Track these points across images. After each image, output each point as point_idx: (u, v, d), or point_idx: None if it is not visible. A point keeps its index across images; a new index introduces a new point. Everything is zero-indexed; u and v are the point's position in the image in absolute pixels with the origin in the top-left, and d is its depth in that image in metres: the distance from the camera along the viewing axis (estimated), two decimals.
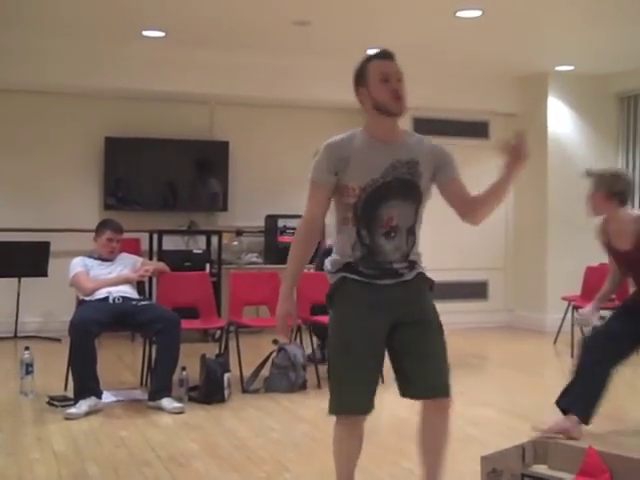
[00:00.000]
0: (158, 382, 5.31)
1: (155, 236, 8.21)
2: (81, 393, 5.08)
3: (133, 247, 8.41)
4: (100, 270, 5.68)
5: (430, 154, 3.05)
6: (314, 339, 6.55)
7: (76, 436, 4.62)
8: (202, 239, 8.62)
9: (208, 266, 8.13)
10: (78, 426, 4.81)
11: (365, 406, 2.99)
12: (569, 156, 9.03)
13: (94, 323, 5.19)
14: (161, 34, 7.48)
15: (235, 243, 8.78)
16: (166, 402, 5.20)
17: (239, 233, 8.85)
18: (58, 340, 7.40)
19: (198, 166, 8.80)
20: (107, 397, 5.39)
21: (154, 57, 7.98)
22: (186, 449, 4.40)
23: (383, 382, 3.18)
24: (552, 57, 8.41)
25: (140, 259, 6.10)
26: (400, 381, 3.05)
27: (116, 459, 4.20)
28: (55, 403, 5.24)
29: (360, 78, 3.03)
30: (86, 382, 5.12)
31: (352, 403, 2.99)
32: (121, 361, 6.98)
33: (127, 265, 5.84)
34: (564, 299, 7.63)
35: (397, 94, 2.95)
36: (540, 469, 2.11)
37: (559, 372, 6.34)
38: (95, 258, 5.75)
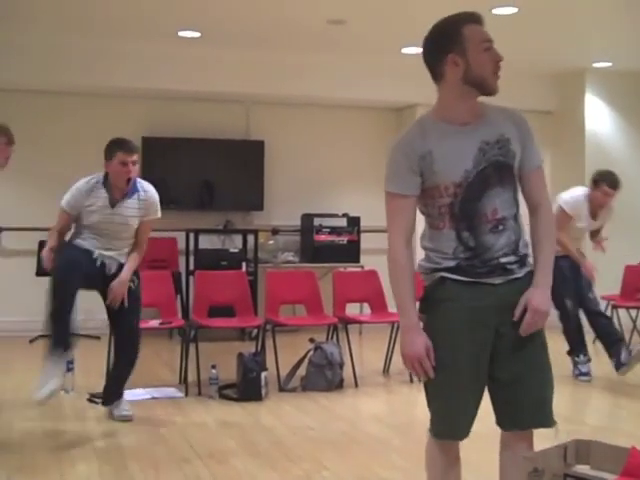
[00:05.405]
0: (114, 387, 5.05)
1: (192, 235, 8.27)
2: (56, 347, 4.51)
3: (170, 246, 8.51)
4: (102, 215, 4.76)
5: (515, 127, 2.58)
6: None
7: (116, 433, 4.67)
8: (238, 238, 8.66)
9: (244, 265, 8.17)
10: (118, 423, 4.86)
11: (462, 433, 2.58)
12: (607, 154, 8.91)
13: (80, 273, 4.62)
14: (197, 34, 7.54)
15: (271, 242, 8.81)
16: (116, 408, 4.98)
17: (275, 232, 8.88)
18: (97, 338, 7.47)
19: (234, 165, 8.84)
20: (144, 394, 5.46)
21: (190, 57, 8.05)
22: (224, 447, 4.43)
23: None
24: (589, 53, 8.33)
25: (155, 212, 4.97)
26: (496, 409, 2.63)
27: (156, 456, 4.24)
28: (96, 400, 5.29)
29: (449, 42, 2.49)
30: (63, 334, 4.57)
31: (449, 428, 2.58)
32: (159, 358, 7.04)
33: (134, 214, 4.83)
34: (603, 298, 7.54)
35: (499, 68, 2.53)
36: (583, 469, 2.10)
37: (598, 371, 6.27)
38: (105, 190, 4.77)
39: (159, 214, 4.94)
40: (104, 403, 5.04)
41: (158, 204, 4.91)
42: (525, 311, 2.51)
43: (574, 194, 6.13)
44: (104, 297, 4.83)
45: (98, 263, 4.75)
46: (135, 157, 4.76)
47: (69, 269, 4.59)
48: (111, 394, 5.02)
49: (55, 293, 4.52)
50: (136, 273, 4.90)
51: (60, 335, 4.55)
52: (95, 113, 8.46)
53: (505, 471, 2.67)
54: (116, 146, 4.77)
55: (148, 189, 4.88)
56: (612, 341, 6.03)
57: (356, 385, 5.93)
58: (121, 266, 4.80)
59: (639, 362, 5.93)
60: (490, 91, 2.53)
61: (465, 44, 2.47)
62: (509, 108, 2.65)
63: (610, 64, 8.64)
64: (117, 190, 4.76)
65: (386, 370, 6.48)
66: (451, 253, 2.53)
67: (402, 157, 2.52)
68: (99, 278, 4.76)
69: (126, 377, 4.99)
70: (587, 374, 6.09)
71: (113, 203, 4.75)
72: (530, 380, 2.54)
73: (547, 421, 2.56)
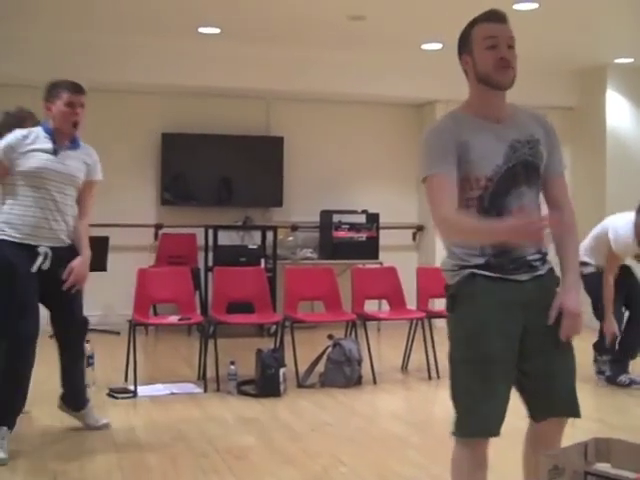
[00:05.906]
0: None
1: (211, 231, 8.28)
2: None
3: (189, 242, 8.53)
4: (44, 161, 4.12)
5: (544, 131, 2.61)
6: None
7: (135, 427, 4.69)
8: (257, 234, 8.67)
9: (263, 261, 8.17)
10: (137, 418, 4.89)
11: (495, 428, 2.55)
12: (628, 150, 8.86)
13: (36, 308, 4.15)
14: (217, 30, 7.54)
15: (290, 238, 8.82)
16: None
17: (294, 228, 8.89)
18: (117, 333, 7.52)
19: (254, 162, 8.85)
20: (162, 390, 5.49)
21: (210, 53, 8.06)
22: (242, 442, 4.44)
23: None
24: (611, 49, 8.26)
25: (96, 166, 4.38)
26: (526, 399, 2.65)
27: (174, 451, 4.25)
28: (115, 395, 5.34)
29: (463, 43, 2.58)
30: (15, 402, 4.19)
31: (482, 424, 2.55)
32: (178, 354, 7.07)
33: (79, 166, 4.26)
34: None
35: (504, 63, 2.48)
36: (603, 467, 2.09)
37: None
38: (49, 137, 4.18)
39: (101, 176, 4.37)
40: (76, 409, 4.54)
41: (99, 164, 4.36)
42: (560, 315, 2.53)
43: (625, 232, 5.48)
44: (44, 297, 4.21)
45: (39, 262, 4.07)
46: (83, 99, 4.19)
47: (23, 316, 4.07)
48: (77, 394, 4.56)
49: (13, 347, 4.10)
50: (74, 253, 4.22)
51: (11, 404, 4.16)
52: (115, 109, 8.48)
53: (530, 468, 2.67)
54: (61, 85, 4.19)
55: (89, 147, 4.35)
56: (625, 355, 5.94)
57: (374, 382, 5.92)
58: (60, 256, 4.14)
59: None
60: (497, 86, 2.52)
61: (472, 44, 2.53)
62: (539, 113, 2.70)
63: (632, 60, 8.57)
64: (60, 136, 4.17)
65: (404, 367, 6.47)
66: (479, 249, 2.52)
67: (441, 141, 2.51)
68: (42, 281, 4.12)
69: (83, 370, 4.61)
70: (603, 373, 6.01)
71: (56, 150, 4.15)
72: (560, 371, 2.58)
73: (578, 411, 2.60)
